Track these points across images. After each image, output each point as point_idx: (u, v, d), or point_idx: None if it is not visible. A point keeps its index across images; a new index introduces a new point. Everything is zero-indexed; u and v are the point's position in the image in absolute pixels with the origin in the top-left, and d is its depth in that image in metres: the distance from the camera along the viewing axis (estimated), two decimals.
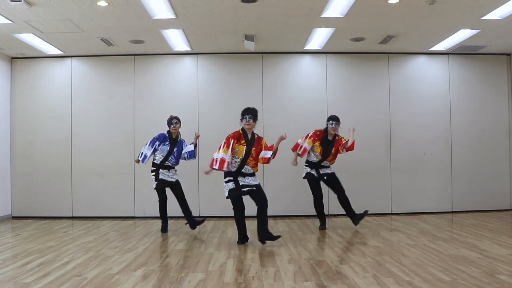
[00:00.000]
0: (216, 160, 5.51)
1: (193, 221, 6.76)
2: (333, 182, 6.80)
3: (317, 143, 6.67)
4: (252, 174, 5.68)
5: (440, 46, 8.08)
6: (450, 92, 8.54)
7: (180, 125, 6.70)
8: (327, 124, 6.72)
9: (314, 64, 8.48)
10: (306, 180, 6.86)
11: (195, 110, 8.33)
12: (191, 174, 8.10)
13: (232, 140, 5.55)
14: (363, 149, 8.36)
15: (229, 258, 4.91)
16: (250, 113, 5.61)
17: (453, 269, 4.28)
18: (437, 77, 8.55)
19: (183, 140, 6.82)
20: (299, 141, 6.74)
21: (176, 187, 6.73)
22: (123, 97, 8.37)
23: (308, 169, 6.79)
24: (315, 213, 6.96)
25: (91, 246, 5.63)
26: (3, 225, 7.58)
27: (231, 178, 5.59)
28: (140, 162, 6.64)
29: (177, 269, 4.49)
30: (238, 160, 5.56)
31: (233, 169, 5.57)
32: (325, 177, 6.75)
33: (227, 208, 8.31)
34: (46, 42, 7.48)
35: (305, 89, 8.41)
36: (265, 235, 5.60)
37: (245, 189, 5.60)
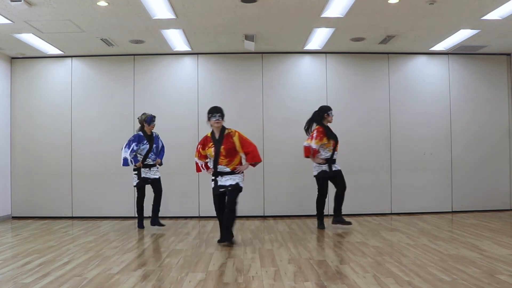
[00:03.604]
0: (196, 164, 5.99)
1: (156, 220, 6.96)
2: (340, 178, 6.76)
3: (325, 139, 6.61)
4: (230, 173, 5.70)
5: (440, 46, 8.08)
6: (450, 92, 8.54)
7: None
8: (326, 115, 6.72)
9: (314, 64, 8.48)
10: (315, 178, 6.76)
11: (195, 109, 8.33)
12: (191, 174, 8.10)
13: (199, 146, 5.83)
14: (363, 149, 8.37)
15: (229, 258, 4.92)
16: (218, 112, 5.68)
17: (453, 269, 4.28)
18: (437, 77, 8.55)
19: (157, 135, 7.06)
20: (306, 144, 6.62)
21: (157, 182, 6.94)
22: (123, 97, 8.37)
23: (323, 167, 6.67)
24: (316, 212, 6.91)
25: (91, 246, 5.63)
26: (3, 225, 7.58)
27: (213, 178, 5.77)
28: (122, 166, 6.81)
29: (177, 269, 4.49)
30: (212, 161, 5.76)
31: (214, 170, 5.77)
32: (336, 173, 6.72)
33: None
34: (46, 42, 7.48)
35: (305, 89, 8.40)
36: (226, 237, 5.71)
37: (222, 189, 5.72)
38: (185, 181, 8.22)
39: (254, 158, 5.73)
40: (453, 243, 5.52)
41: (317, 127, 6.68)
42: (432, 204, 8.43)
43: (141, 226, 7.00)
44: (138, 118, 7.01)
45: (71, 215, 8.33)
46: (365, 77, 8.48)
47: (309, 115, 8.35)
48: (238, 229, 6.92)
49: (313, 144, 6.56)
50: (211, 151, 5.69)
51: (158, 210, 6.97)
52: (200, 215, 8.27)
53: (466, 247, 5.27)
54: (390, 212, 8.40)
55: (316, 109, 8.33)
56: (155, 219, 6.95)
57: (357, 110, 8.41)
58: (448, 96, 8.54)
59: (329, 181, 6.81)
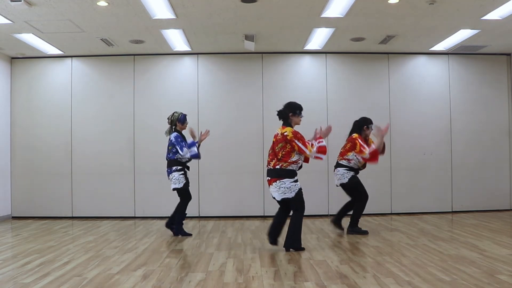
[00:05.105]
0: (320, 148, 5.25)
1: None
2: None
3: None
4: None
5: (440, 46, 8.08)
6: (450, 92, 8.54)
7: None
8: (365, 127, 6.45)
9: (314, 64, 8.48)
10: (346, 186, 6.51)
11: (195, 110, 8.33)
12: (191, 174, 8.08)
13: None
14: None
15: (229, 258, 4.91)
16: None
17: (453, 269, 4.28)
18: (437, 77, 8.55)
19: None
20: (371, 150, 6.25)
21: None
22: (123, 97, 8.37)
23: (352, 173, 6.44)
24: (359, 215, 6.56)
25: (91, 246, 5.63)
26: (3, 225, 7.58)
27: (297, 178, 5.27)
28: (199, 158, 6.45)
29: (177, 269, 4.49)
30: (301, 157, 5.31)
31: (297, 169, 5.33)
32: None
33: (227, 208, 8.35)
34: (46, 42, 7.48)
35: (305, 89, 8.40)
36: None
37: None
38: None
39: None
40: (453, 243, 5.52)
41: (357, 135, 6.37)
42: (432, 204, 8.43)
43: (185, 233, 6.38)
44: (168, 119, 6.48)
45: (71, 215, 8.33)
46: (365, 77, 8.48)
47: (309, 115, 8.36)
48: (238, 229, 6.93)
49: (369, 149, 6.25)
50: None
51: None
52: (200, 215, 8.27)
53: (466, 247, 5.26)
54: (390, 212, 8.40)
55: (316, 108, 8.39)
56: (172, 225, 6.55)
57: (357, 110, 8.34)
58: (448, 96, 8.54)
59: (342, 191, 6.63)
